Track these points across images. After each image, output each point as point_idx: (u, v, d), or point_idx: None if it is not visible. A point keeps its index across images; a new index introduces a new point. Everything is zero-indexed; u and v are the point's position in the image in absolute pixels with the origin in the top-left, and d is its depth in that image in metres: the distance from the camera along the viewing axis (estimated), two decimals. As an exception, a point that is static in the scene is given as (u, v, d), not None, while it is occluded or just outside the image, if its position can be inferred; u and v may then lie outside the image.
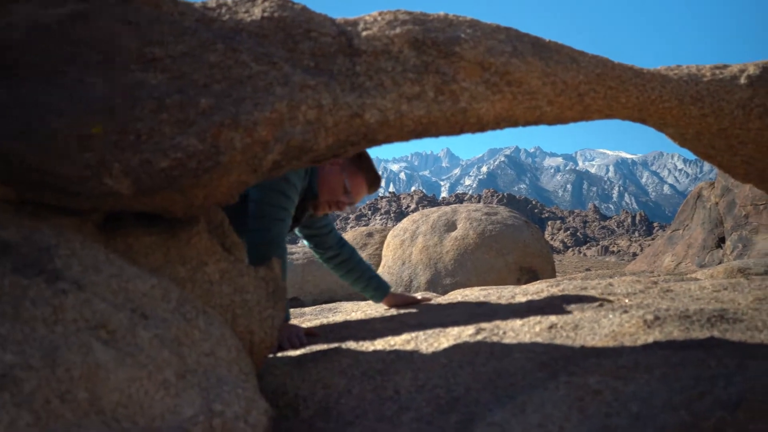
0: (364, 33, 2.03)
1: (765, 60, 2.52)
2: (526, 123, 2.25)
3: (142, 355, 1.42)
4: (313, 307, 4.63)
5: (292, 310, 4.79)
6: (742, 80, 2.39)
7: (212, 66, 1.79)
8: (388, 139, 2.05)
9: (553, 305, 2.61)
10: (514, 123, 2.23)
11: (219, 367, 1.59)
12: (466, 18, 2.19)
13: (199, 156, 1.66)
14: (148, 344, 1.45)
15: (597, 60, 2.27)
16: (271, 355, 2.58)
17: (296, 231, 3.47)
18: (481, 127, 2.16)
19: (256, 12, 1.96)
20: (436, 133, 2.11)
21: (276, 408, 1.98)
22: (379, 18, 2.09)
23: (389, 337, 2.45)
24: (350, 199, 3.21)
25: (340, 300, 8.64)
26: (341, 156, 2.08)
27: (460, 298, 3.39)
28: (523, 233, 9.46)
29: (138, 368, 1.39)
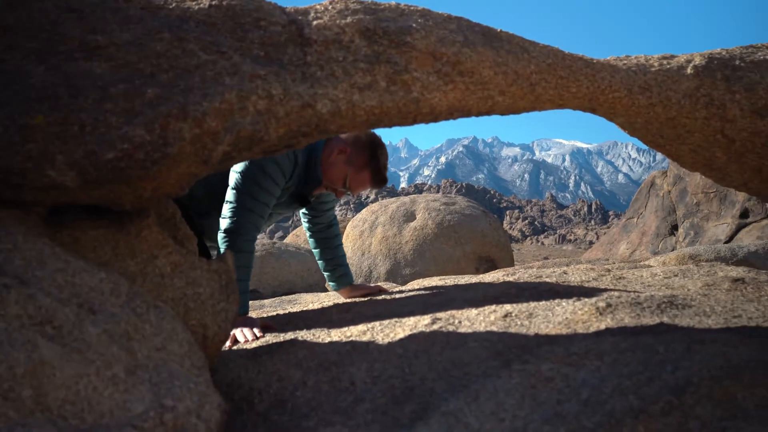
0: (315, 22, 2.01)
1: (711, 50, 2.57)
2: (479, 113, 2.26)
3: (89, 351, 1.39)
4: (273, 299, 4.60)
5: (251, 302, 4.76)
6: (689, 70, 2.43)
7: (159, 55, 1.75)
8: (341, 129, 2.03)
9: (509, 294, 2.64)
10: (467, 113, 2.23)
11: (170, 362, 1.57)
12: (417, 7, 2.19)
13: (146, 147, 1.63)
14: (96, 340, 1.42)
15: (548, 50, 2.29)
16: (225, 348, 2.55)
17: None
18: (434, 117, 2.16)
19: (204, 0, 1.93)
20: (389, 123, 2.11)
21: (231, 401, 1.96)
22: (330, 7, 2.07)
23: (345, 328, 2.44)
24: (346, 191, 3.22)
25: (300, 291, 8.60)
26: (294, 147, 2.06)
27: (417, 288, 3.40)
28: (481, 223, 9.53)
29: (85, 364, 1.36)
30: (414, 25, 2.07)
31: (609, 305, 2.21)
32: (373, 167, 3.17)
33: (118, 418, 1.34)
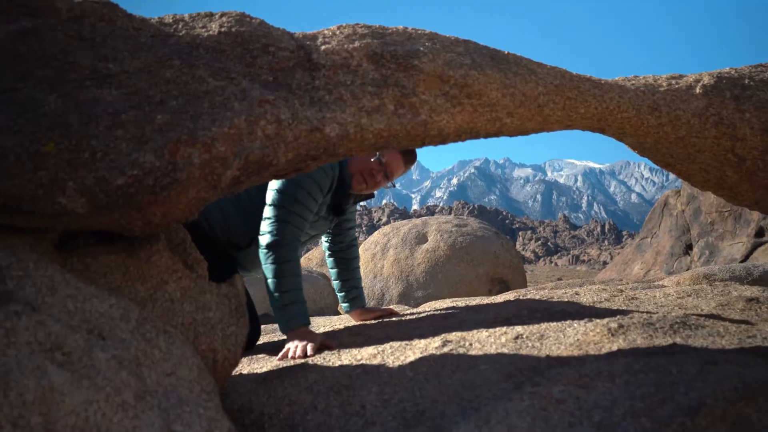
0: (323, 47, 2.03)
1: (719, 70, 2.57)
2: (488, 135, 2.27)
3: (99, 377, 1.39)
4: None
5: (264, 325, 4.76)
6: (698, 90, 2.43)
7: (168, 82, 1.77)
8: (349, 153, 2.04)
9: (520, 316, 2.62)
10: (475, 135, 2.24)
11: (180, 387, 1.57)
12: (425, 31, 2.20)
13: (156, 173, 1.64)
14: (106, 365, 1.42)
15: (555, 71, 2.29)
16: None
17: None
18: (442, 139, 2.16)
19: (214, 27, 1.95)
20: (397, 146, 2.11)
21: (241, 426, 1.95)
22: (338, 32, 2.09)
23: (356, 351, 2.43)
24: (383, 168, 3.16)
25: (312, 315, 8.58)
26: (303, 171, 2.07)
27: (429, 310, 3.39)
28: (494, 244, 9.50)
29: (95, 390, 1.36)
30: (421, 48, 2.09)
31: (621, 326, 2.19)
32: None
33: (128, 444, 1.34)
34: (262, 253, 2.93)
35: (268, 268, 2.90)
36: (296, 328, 2.83)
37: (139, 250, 1.91)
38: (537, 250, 54.13)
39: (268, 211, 3.00)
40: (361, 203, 3.54)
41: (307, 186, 3.00)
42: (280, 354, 2.67)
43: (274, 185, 3.03)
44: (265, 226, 2.97)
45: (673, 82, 2.47)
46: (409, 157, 3.22)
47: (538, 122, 2.26)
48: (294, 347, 2.67)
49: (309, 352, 2.61)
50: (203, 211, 3.13)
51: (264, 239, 2.94)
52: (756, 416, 1.42)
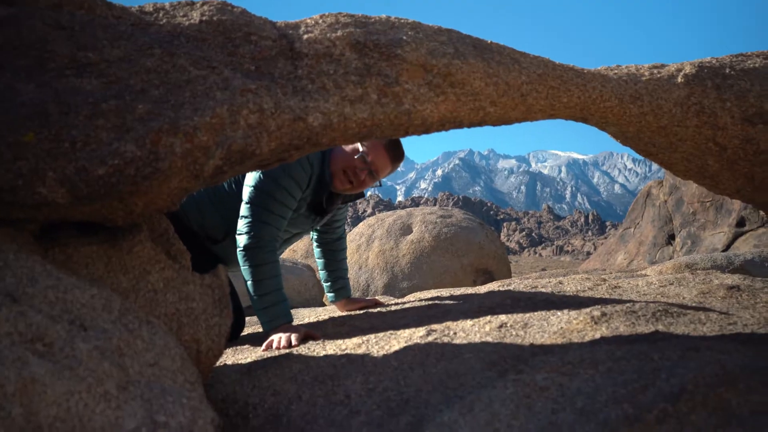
0: (306, 36, 2.02)
1: (701, 59, 2.59)
2: (471, 124, 2.27)
3: (81, 368, 1.38)
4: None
5: (249, 317, 4.75)
6: (679, 79, 2.44)
7: (149, 71, 1.75)
8: (333, 142, 2.04)
9: (504, 305, 2.63)
10: (458, 124, 2.24)
11: (163, 378, 1.56)
12: (408, 20, 2.20)
13: (137, 162, 1.62)
14: (88, 356, 1.41)
15: (538, 60, 2.30)
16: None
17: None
18: (426, 128, 2.16)
19: (195, 16, 1.94)
20: (381, 135, 2.11)
21: (226, 417, 1.95)
22: (320, 21, 2.08)
23: (341, 341, 2.43)
24: (367, 167, 3.04)
25: (297, 306, 8.58)
26: (286, 160, 2.06)
27: (414, 300, 3.40)
28: (478, 235, 9.53)
29: (77, 381, 1.35)
30: (404, 37, 2.08)
31: (604, 314, 2.21)
32: (385, 140, 3.03)
33: (110, 435, 1.33)
34: (240, 254, 2.86)
35: (246, 270, 2.84)
36: (278, 326, 2.80)
37: (121, 241, 1.90)
38: (521, 241, 54.35)
39: (244, 210, 2.92)
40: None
41: (284, 183, 2.91)
42: (264, 345, 2.66)
43: (250, 181, 2.95)
44: (242, 226, 2.89)
45: (655, 71, 2.48)
46: (396, 155, 3.09)
47: (522, 111, 2.26)
48: (278, 338, 2.66)
49: (294, 342, 2.59)
50: (180, 207, 3.08)
51: (241, 240, 2.87)
52: (736, 401, 1.43)
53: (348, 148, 3.04)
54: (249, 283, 2.83)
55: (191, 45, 1.87)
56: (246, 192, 2.94)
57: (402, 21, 2.19)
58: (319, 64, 1.98)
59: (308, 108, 1.91)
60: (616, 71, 2.46)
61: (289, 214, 2.97)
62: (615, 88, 2.35)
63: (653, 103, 2.39)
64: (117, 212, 1.75)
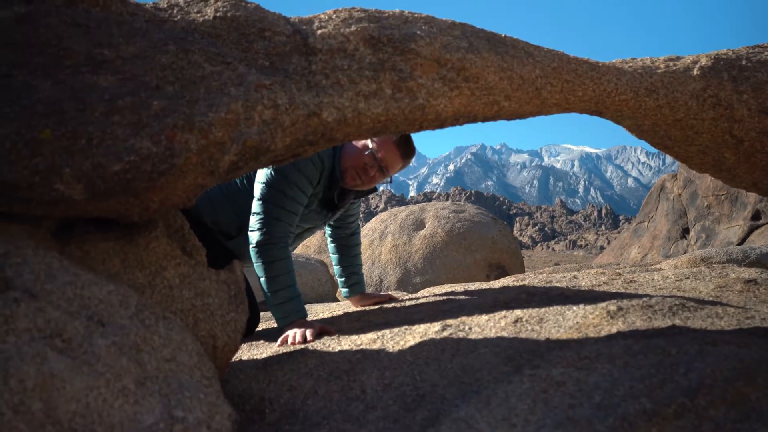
0: (319, 31, 2.01)
1: (717, 51, 2.56)
2: (485, 118, 2.26)
3: (99, 363, 1.39)
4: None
5: (263, 313, 4.77)
6: (695, 71, 2.42)
7: (164, 67, 1.76)
8: (347, 138, 2.04)
9: (519, 300, 2.63)
10: (473, 119, 2.23)
11: (180, 373, 1.57)
12: (421, 15, 2.19)
13: (153, 159, 1.63)
14: (106, 352, 1.42)
15: (552, 54, 2.28)
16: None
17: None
18: (440, 123, 2.16)
19: (209, 12, 1.94)
20: (395, 130, 2.11)
21: (242, 412, 1.95)
22: (333, 16, 2.08)
23: (356, 336, 2.44)
24: (377, 163, 3.03)
25: (311, 302, 8.60)
26: (301, 156, 2.06)
27: (427, 296, 3.39)
28: (491, 230, 9.50)
29: (95, 377, 1.36)
30: (418, 32, 2.08)
31: (620, 309, 2.20)
32: (396, 137, 3.01)
33: (129, 430, 1.34)
34: (253, 251, 2.86)
35: (259, 267, 2.85)
36: (290, 323, 2.80)
37: (137, 237, 1.91)
38: (534, 236, 54.20)
39: (256, 207, 2.92)
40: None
41: (296, 179, 2.92)
42: (279, 340, 2.67)
43: (261, 178, 2.95)
44: (254, 223, 2.89)
45: (671, 63, 2.46)
46: (407, 152, 3.08)
47: (536, 105, 2.25)
48: (293, 333, 2.66)
49: (309, 338, 2.60)
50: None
51: (254, 237, 2.87)
52: (755, 396, 1.42)
53: (358, 144, 3.04)
54: (262, 279, 2.83)
55: (206, 41, 1.87)
56: (257, 189, 2.95)
57: (416, 15, 2.18)
58: (333, 60, 1.98)
59: (322, 103, 1.90)
60: (631, 64, 2.45)
61: (300, 210, 2.97)
62: (630, 81, 2.33)
63: (669, 96, 2.37)
64: (133, 208, 1.75)
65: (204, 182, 1.79)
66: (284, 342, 2.64)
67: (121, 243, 1.88)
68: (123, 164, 1.61)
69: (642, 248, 16.90)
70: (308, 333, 2.63)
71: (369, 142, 3.00)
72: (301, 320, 2.80)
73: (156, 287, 1.86)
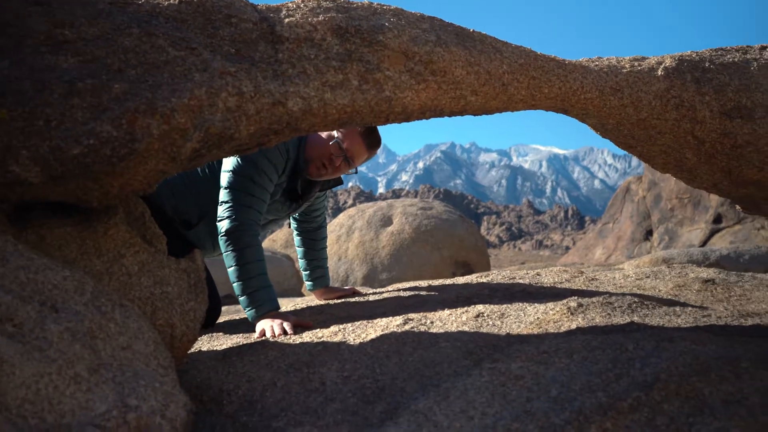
0: (287, 20, 1.99)
1: (681, 53, 2.60)
2: (452, 113, 2.26)
3: (51, 349, 1.36)
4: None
5: (226, 307, 4.72)
6: (660, 72, 2.45)
7: (127, 50, 1.72)
8: (313, 128, 2.02)
9: (482, 295, 2.64)
10: (439, 113, 2.23)
11: (136, 361, 1.54)
12: (390, 6, 2.18)
13: (113, 143, 1.60)
14: (58, 338, 1.39)
15: (520, 50, 2.29)
16: (195, 350, 2.51)
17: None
18: (406, 116, 2.15)
19: (174, -4, 1.91)
20: (361, 122, 2.10)
21: (199, 403, 1.93)
22: (302, 5, 2.06)
23: (317, 329, 2.42)
24: (342, 153, 3.01)
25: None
26: (265, 145, 2.04)
27: (392, 290, 3.39)
28: (458, 228, 9.55)
29: (47, 363, 1.33)
30: (386, 24, 2.07)
31: (580, 305, 2.22)
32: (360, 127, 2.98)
33: (80, 418, 1.31)
34: (222, 240, 2.79)
35: (229, 255, 2.77)
36: (265, 313, 2.72)
37: (95, 224, 1.87)
38: (501, 235, 54.58)
39: (224, 195, 2.86)
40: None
41: (263, 165, 2.87)
42: (257, 333, 2.59)
43: (228, 166, 2.90)
44: (223, 211, 2.83)
45: (636, 64, 2.49)
46: (372, 142, 3.07)
47: (503, 101, 2.26)
48: (269, 327, 2.58)
49: (288, 330, 2.52)
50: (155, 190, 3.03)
51: (223, 225, 2.80)
52: (708, 390, 1.45)
53: (323, 134, 3.02)
54: (232, 268, 2.75)
55: (170, 25, 1.84)
56: (224, 177, 2.90)
57: (384, 7, 2.17)
58: (300, 49, 1.96)
59: (288, 92, 1.89)
60: (597, 63, 2.47)
61: (268, 198, 2.93)
62: (596, 80, 2.35)
63: (633, 96, 2.39)
64: (92, 193, 1.72)
65: (165, 168, 1.76)
66: (262, 335, 2.57)
67: (78, 229, 1.84)
68: (82, 148, 1.58)
69: (606, 249, 17.12)
70: (287, 326, 2.56)
71: (335, 132, 2.98)
72: (274, 311, 2.73)
73: (114, 274, 1.83)
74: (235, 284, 2.76)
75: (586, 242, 18.21)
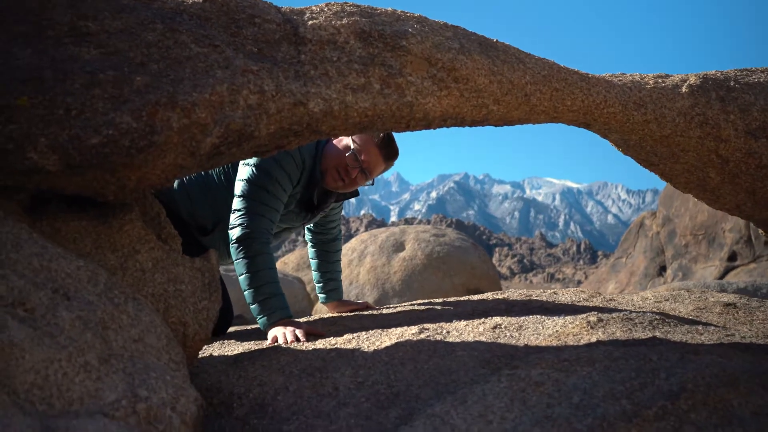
0: (310, 22, 1.99)
1: (706, 71, 2.57)
2: (473, 122, 2.24)
3: (62, 336, 1.33)
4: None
5: (235, 328, 4.68)
6: (684, 89, 2.43)
7: (150, 45, 1.72)
8: (333, 131, 2.00)
9: (498, 309, 2.59)
10: (460, 121, 2.21)
11: (147, 354, 1.51)
12: (414, 14, 2.18)
13: (132, 134, 1.58)
14: (70, 325, 1.36)
15: (543, 62, 2.28)
16: (206, 354, 2.47)
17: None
18: (427, 123, 2.13)
19: (199, -6, 1.91)
20: (381, 127, 2.08)
21: (210, 405, 1.89)
22: (326, 8, 2.06)
23: (331, 337, 2.38)
24: (359, 165, 2.99)
25: (285, 318, 8.51)
26: (284, 147, 2.02)
27: (406, 305, 3.34)
28: (471, 255, 9.49)
29: (57, 349, 1.30)
30: (410, 29, 2.06)
31: (600, 320, 2.17)
32: (378, 138, 2.98)
33: (89, 406, 1.28)
34: (233, 247, 2.77)
35: (240, 263, 2.74)
36: (277, 321, 2.67)
37: (111, 219, 1.85)
38: (513, 267, 54.31)
39: (237, 203, 2.85)
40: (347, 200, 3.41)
41: (277, 175, 2.86)
42: (269, 340, 2.55)
43: (243, 175, 2.89)
44: (235, 219, 2.82)
45: (660, 80, 2.47)
46: (389, 153, 3.05)
47: (525, 112, 2.24)
48: (282, 333, 2.53)
49: (301, 338, 2.47)
50: (171, 192, 3.03)
51: (234, 232, 2.78)
52: (737, 402, 1.40)
53: (340, 145, 3.00)
54: (243, 276, 2.72)
55: (194, 23, 1.84)
56: (238, 186, 2.88)
57: (408, 14, 2.17)
58: (322, 51, 1.95)
59: (309, 93, 1.87)
60: (620, 78, 2.44)
61: (281, 207, 2.91)
62: (619, 94, 2.33)
63: (657, 112, 2.36)
64: (109, 186, 1.70)
65: (184, 163, 1.74)
66: (274, 342, 2.52)
67: (94, 223, 1.83)
68: (101, 138, 1.56)
69: (619, 283, 16.97)
70: (299, 333, 2.51)
71: (351, 143, 2.97)
72: (286, 319, 2.68)
73: (128, 270, 1.80)
74: (246, 292, 2.73)
75: (599, 276, 18.07)
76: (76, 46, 1.66)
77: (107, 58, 1.66)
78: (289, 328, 2.55)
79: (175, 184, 3.03)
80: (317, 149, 3.02)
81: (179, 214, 3.05)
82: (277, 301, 2.71)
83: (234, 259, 2.77)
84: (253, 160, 2.86)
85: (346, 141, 2.99)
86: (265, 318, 2.69)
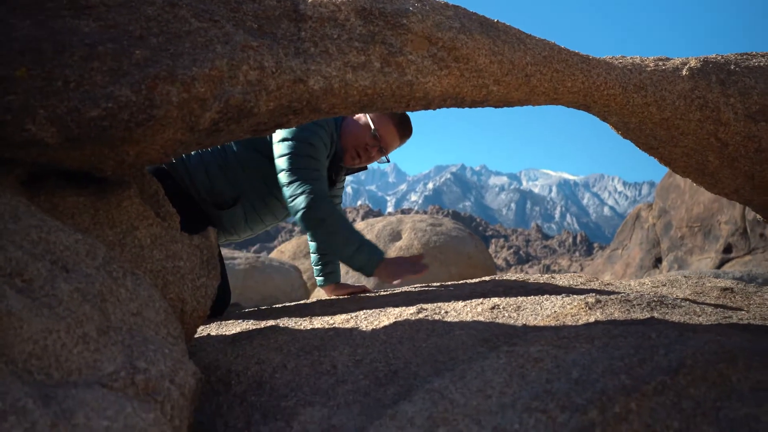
0: (311, -1, 1.98)
1: (706, 55, 2.57)
2: (473, 102, 2.23)
3: (60, 307, 1.33)
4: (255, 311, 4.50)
5: (231, 311, 4.66)
6: (684, 72, 2.42)
7: (149, 18, 1.71)
8: (333, 109, 1.99)
9: (496, 291, 2.59)
10: (460, 101, 2.20)
11: (146, 328, 1.51)
12: (414, -7, 2.16)
13: (131, 107, 1.58)
14: (69, 297, 1.36)
15: (544, 43, 2.27)
16: (203, 334, 2.47)
17: None
18: (427, 102, 2.12)
19: (199, -32, 1.89)
20: (381, 106, 2.07)
21: (207, 383, 1.89)
22: (326, -15, 2.04)
23: (328, 317, 2.38)
24: (378, 143, 3.07)
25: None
26: (284, 126, 2.02)
27: (403, 288, 3.34)
28: (467, 245, 9.49)
29: (55, 320, 1.29)
30: (411, 8, 2.05)
31: (598, 301, 2.17)
32: (393, 115, 3.06)
33: (87, 377, 1.27)
34: (302, 216, 2.81)
35: (317, 227, 2.83)
36: (378, 263, 2.85)
37: (109, 195, 1.85)
38: (509, 258, 54.37)
39: (287, 177, 2.86)
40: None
41: (317, 144, 2.91)
42: (394, 282, 2.85)
43: (284, 150, 2.91)
44: (294, 190, 2.84)
45: (660, 63, 2.46)
46: (405, 131, 3.13)
47: (525, 93, 2.23)
48: (401, 270, 2.84)
49: (419, 270, 2.85)
50: (187, 170, 3.03)
51: (299, 202, 2.81)
52: (736, 377, 1.40)
53: (360, 123, 3.03)
54: (325, 240, 2.87)
55: (193, -3, 1.83)
56: (284, 161, 2.89)
57: (409, -7, 2.15)
58: (322, 28, 1.94)
59: (310, 71, 1.86)
60: (621, 60, 2.44)
61: (326, 174, 2.98)
62: (619, 76, 2.32)
63: (657, 94, 2.36)
64: (107, 161, 1.69)
65: (183, 138, 1.73)
66: (399, 278, 2.81)
67: (92, 199, 1.82)
68: (100, 110, 1.55)
69: (615, 275, 16.98)
70: (415, 266, 2.88)
71: (370, 122, 3.00)
72: (386, 260, 2.90)
73: (126, 246, 1.80)
74: (337, 250, 2.88)
75: (594, 268, 18.09)
76: (75, 18, 1.64)
77: (106, 31, 1.65)
78: (403, 266, 2.84)
79: (193, 161, 3.05)
80: (336, 126, 3.05)
81: (191, 193, 3.05)
82: (368, 246, 2.86)
83: (307, 229, 2.86)
84: (289, 134, 2.90)
85: (365, 119, 3.03)
86: (367, 264, 2.86)
